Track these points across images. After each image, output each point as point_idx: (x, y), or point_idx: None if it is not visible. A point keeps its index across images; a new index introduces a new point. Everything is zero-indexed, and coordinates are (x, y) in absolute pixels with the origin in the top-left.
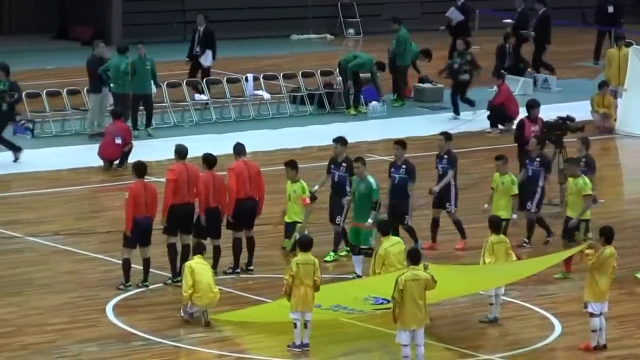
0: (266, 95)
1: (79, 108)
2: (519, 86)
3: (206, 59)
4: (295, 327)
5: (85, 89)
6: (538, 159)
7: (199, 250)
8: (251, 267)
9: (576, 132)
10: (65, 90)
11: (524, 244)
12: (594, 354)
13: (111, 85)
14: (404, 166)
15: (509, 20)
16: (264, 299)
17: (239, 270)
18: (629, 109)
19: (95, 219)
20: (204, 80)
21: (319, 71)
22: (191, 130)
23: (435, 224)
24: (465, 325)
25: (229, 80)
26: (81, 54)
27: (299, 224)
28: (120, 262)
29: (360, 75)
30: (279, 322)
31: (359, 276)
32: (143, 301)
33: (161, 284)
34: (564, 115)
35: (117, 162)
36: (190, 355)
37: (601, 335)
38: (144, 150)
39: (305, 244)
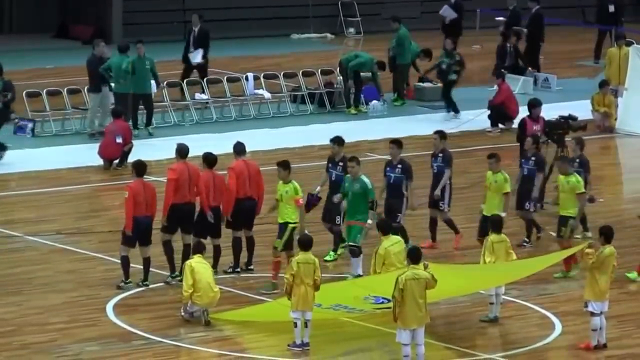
0: (267, 95)
1: (79, 107)
2: (519, 85)
3: (195, 57)
4: (296, 326)
5: (85, 88)
6: (533, 158)
7: (199, 249)
8: (251, 267)
9: (578, 131)
10: (65, 89)
11: (524, 244)
12: (594, 353)
13: (111, 84)
14: (399, 165)
15: (501, 18)
16: (264, 298)
17: (239, 269)
18: (629, 108)
19: (95, 218)
20: (204, 80)
21: (319, 70)
22: (191, 129)
23: (433, 223)
24: (466, 324)
25: (229, 80)
26: (81, 53)
27: (290, 225)
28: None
29: (361, 74)
30: (280, 322)
31: (359, 275)
32: (143, 300)
33: (161, 284)
34: (566, 114)
35: (116, 161)
36: (191, 354)
37: (601, 334)
38: (144, 150)
39: (305, 243)
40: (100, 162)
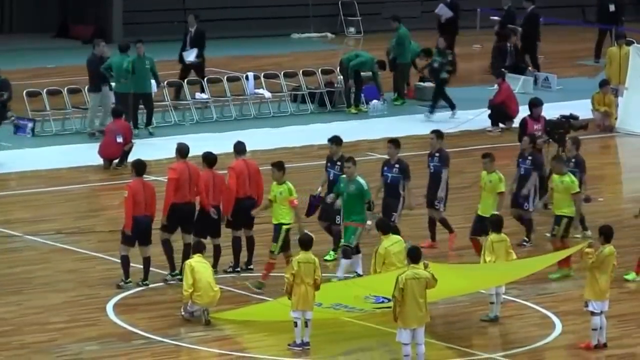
0: (267, 94)
1: (80, 107)
2: (519, 85)
3: (188, 56)
4: (296, 325)
5: (85, 87)
6: (530, 158)
7: (199, 249)
8: (251, 266)
9: (579, 130)
10: (65, 89)
11: (524, 243)
12: (594, 352)
13: (112, 84)
14: (397, 165)
15: (496, 18)
16: (264, 298)
17: (239, 269)
18: (629, 107)
19: (95, 217)
20: (204, 80)
21: (319, 70)
22: (192, 129)
23: (432, 223)
24: (466, 324)
25: (230, 79)
26: (82, 52)
27: (285, 226)
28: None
29: (362, 74)
30: (280, 321)
31: (358, 275)
32: (143, 300)
33: (161, 283)
34: (567, 113)
35: (116, 161)
36: (191, 354)
37: (601, 334)
38: (144, 149)
39: (305, 243)
40: (100, 161)
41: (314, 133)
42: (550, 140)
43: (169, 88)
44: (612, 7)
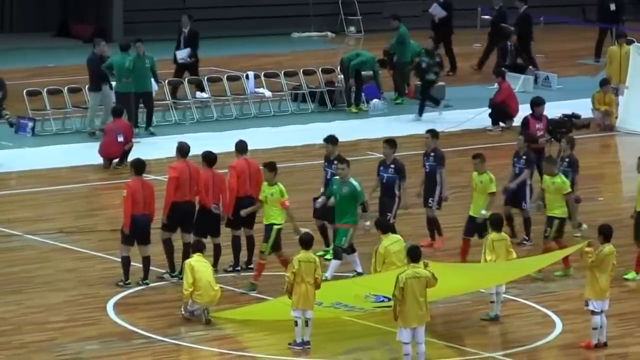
0: (267, 93)
1: (80, 106)
2: (519, 84)
3: (181, 54)
4: (296, 325)
5: (86, 87)
6: (524, 157)
7: (199, 248)
8: (251, 266)
9: (581, 129)
10: (66, 88)
11: (524, 242)
12: (594, 351)
13: (112, 83)
14: (392, 165)
15: (487, 17)
16: (264, 297)
17: (239, 268)
18: (629, 106)
19: (94, 217)
20: (205, 78)
21: (320, 69)
22: (192, 128)
23: (430, 222)
24: (466, 323)
25: (230, 78)
26: (82, 52)
27: (276, 226)
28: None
29: (362, 73)
30: (280, 320)
31: (359, 273)
32: (143, 299)
33: (161, 282)
34: (569, 112)
35: (116, 160)
36: (191, 353)
37: (602, 333)
38: (144, 148)
39: (306, 242)
40: (100, 161)
41: (315, 132)
42: (553, 139)
43: (170, 87)
44: (612, 6)
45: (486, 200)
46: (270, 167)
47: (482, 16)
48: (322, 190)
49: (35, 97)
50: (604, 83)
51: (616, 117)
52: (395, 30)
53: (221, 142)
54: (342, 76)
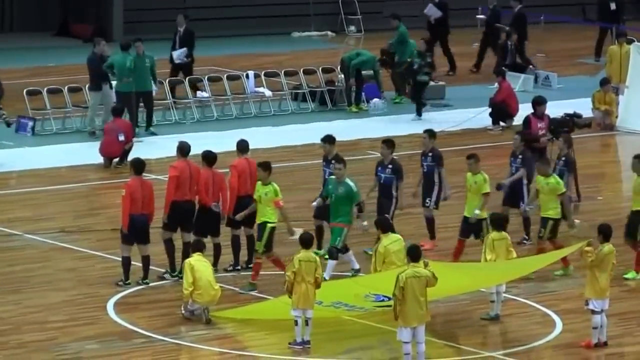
0: (267, 93)
1: (80, 105)
2: (519, 83)
3: (178, 56)
4: (297, 324)
5: (86, 86)
6: (520, 157)
7: (199, 247)
8: (251, 265)
9: (583, 129)
10: (66, 87)
11: (524, 241)
12: (594, 351)
13: (112, 82)
14: (390, 166)
15: (481, 16)
16: (265, 296)
17: (239, 267)
18: (630, 105)
19: (94, 216)
20: (205, 78)
21: (320, 68)
22: (192, 127)
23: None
24: (467, 322)
25: (230, 78)
26: (82, 51)
27: (269, 225)
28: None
29: (362, 72)
30: (280, 320)
31: (357, 270)
32: (144, 299)
33: (161, 282)
34: (571, 111)
35: (116, 159)
36: (191, 352)
37: (602, 332)
38: (145, 148)
39: (306, 241)
40: (101, 160)
41: (315, 132)
42: (554, 138)
43: (170, 86)
44: (612, 6)
45: (480, 201)
46: (265, 166)
47: (477, 16)
48: (322, 190)
49: (35, 96)
50: (604, 82)
51: (616, 117)
52: (396, 29)
53: (221, 141)
54: (342, 76)
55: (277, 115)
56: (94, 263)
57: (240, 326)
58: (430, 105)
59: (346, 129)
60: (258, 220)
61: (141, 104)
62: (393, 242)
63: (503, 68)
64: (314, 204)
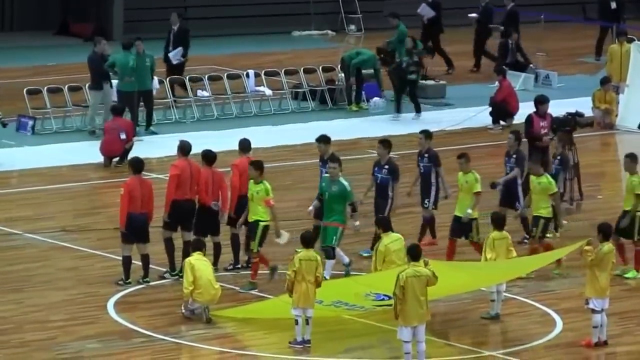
0: (268, 92)
1: (80, 104)
2: (520, 82)
3: (174, 56)
4: (297, 323)
5: (86, 85)
6: (514, 156)
7: (199, 246)
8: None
9: (585, 128)
10: (66, 86)
11: (525, 241)
12: (594, 350)
13: (112, 81)
14: (386, 166)
15: (474, 15)
16: (265, 295)
17: (239, 266)
18: (630, 104)
19: (95, 215)
20: (206, 77)
21: (320, 67)
22: (192, 126)
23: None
24: (467, 321)
25: (230, 77)
26: (82, 50)
27: (262, 223)
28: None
29: (363, 71)
30: (281, 319)
31: (348, 264)
32: (144, 298)
33: (161, 281)
34: (572, 110)
35: (117, 159)
36: (192, 352)
37: (602, 331)
38: (145, 147)
39: (307, 240)
40: (101, 159)
41: (315, 131)
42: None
43: (170, 85)
44: (613, 5)
45: (472, 200)
46: (256, 165)
47: (469, 15)
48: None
49: (35, 95)
50: (605, 81)
51: (616, 116)
52: (395, 28)
53: (221, 140)
54: (342, 74)
55: (278, 114)
56: (94, 262)
57: (241, 325)
58: (432, 105)
59: (346, 128)
60: (250, 219)
61: (141, 103)
62: (393, 241)
63: (503, 67)
64: (310, 208)
